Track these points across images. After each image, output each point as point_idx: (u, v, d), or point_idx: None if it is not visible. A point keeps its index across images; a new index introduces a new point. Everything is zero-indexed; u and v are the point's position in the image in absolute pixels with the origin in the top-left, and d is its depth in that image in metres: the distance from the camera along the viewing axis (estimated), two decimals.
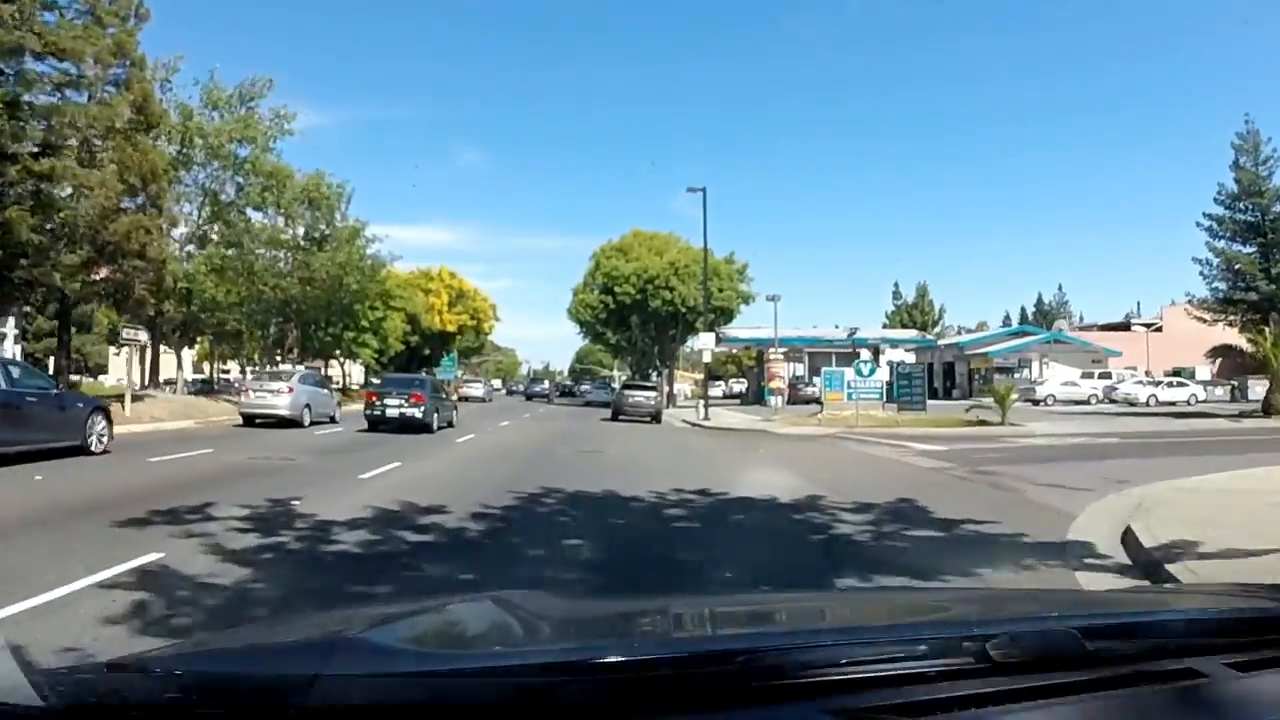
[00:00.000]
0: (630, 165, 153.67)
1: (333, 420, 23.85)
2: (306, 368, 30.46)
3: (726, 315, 46.15)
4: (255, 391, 22.45)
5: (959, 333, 76.32)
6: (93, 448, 13.39)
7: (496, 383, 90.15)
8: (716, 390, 74.06)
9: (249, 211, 26.63)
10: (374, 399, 22.00)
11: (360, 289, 34.26)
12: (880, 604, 2.42)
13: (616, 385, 48.38)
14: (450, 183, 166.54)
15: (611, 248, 49.41)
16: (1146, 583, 5.65)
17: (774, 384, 31.08)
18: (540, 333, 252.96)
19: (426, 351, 54.97)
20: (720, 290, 43.25)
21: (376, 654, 1.22)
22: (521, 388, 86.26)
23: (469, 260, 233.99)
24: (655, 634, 1.72)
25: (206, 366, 58.47)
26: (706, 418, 29.81)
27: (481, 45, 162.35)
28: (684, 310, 45.18)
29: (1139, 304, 78.73)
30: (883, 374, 30.38)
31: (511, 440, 20.38)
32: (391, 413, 20.93)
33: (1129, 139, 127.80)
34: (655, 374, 54.64)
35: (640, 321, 48.21)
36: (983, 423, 26.23)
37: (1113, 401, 45.60)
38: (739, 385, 69.52)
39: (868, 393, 29.08)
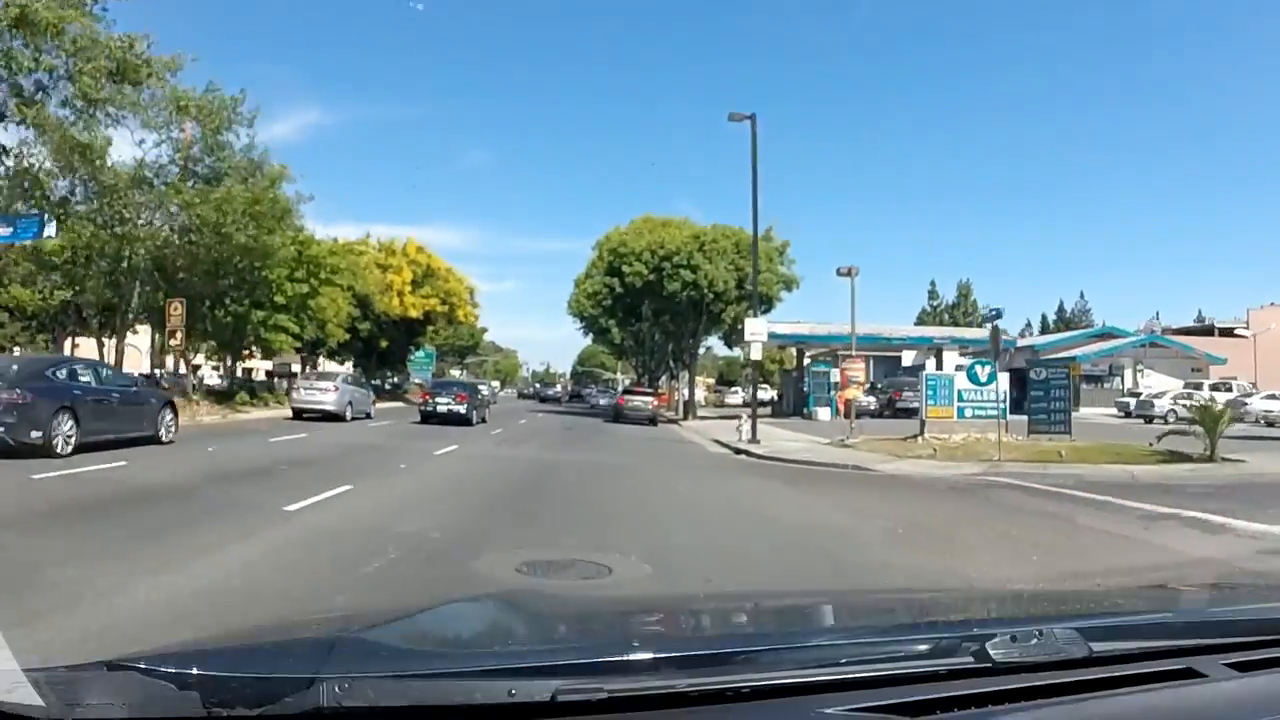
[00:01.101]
0: (636, 168, 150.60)
1: (368, 416, 27.05)
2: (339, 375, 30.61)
3: (765, 303, 35.84)
4: (305, 389, 25.56)
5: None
6: (163, 437, 14.48)
7: (495, 384, 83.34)
8: (734, 398, 64.79)
9: (59, 112, 17.28)
10: (427, 398, 27.26)
11: (257, 244, 23.27)
12: (880, 604, 2.32)
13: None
14: (455, 185, 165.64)
15: (618, 234, 39.65)
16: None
17: (850, 393, 21.81)
18: (543, 335, 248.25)
19: (384, 343, 42.96)
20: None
21: (376, 654, 1.19)
22: (532, 391, 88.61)
23: (474, 262, 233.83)
24: (656, 634, 1.69)
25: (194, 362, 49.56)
26: (755, 439, 20.51)
27: (487, 46, 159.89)
28: (710, 296, 34.90)
29: (1158, 313, 73.11)
30: (1004, 382, 21.37)
31: (425, 492, 11.03)
32: (441, 409, 25.66)
33: (1148, 143, 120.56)
34: (671, 377, 45.13)
35: (653, 310, 37.98)
36: (1177, 455, 17.18)
37: (1238, 420, 36.74)
38: (763, 393, 60.16)
39: (985, 408, 20.56)
